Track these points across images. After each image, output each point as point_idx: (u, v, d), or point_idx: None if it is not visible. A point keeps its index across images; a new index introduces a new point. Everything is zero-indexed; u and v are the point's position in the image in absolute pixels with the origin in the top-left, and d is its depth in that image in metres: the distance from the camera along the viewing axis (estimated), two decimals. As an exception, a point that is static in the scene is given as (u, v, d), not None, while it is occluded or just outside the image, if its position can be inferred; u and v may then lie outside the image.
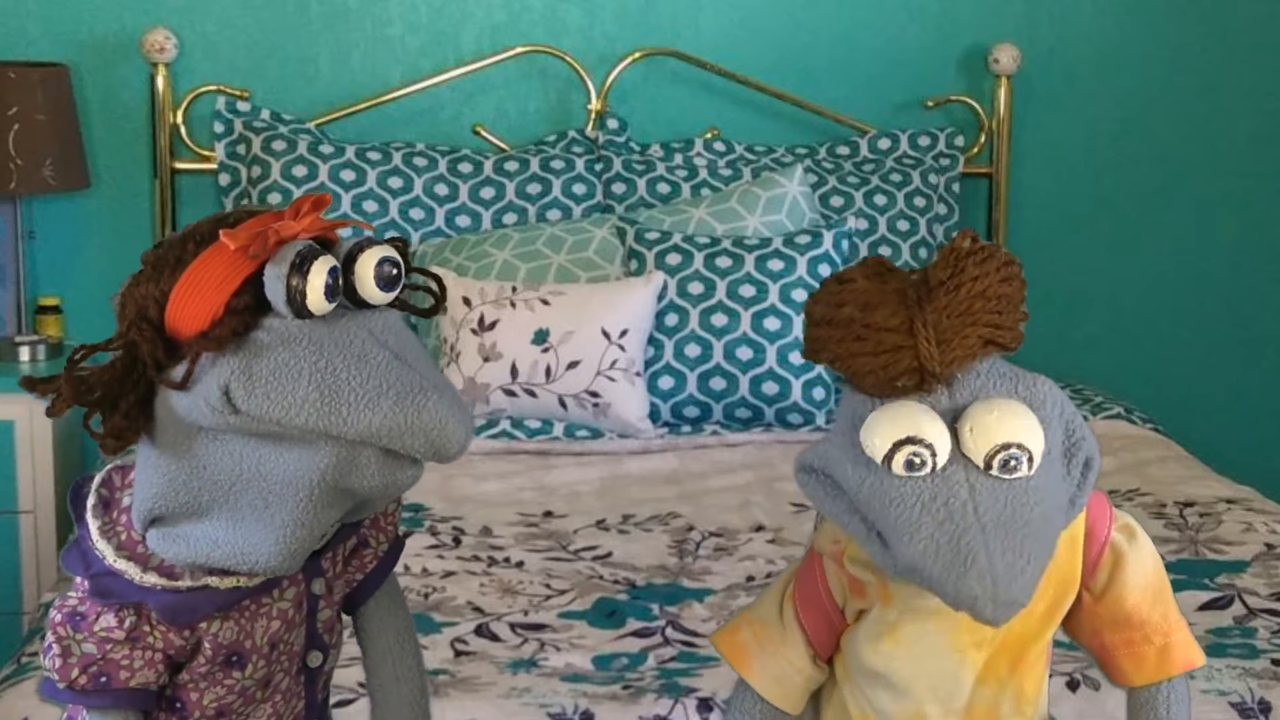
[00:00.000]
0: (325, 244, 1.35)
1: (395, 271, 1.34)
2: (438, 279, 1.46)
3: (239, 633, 1.44)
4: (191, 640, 1.42)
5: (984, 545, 1.31)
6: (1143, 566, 1.50)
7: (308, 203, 1.34)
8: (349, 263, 1.33)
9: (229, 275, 1.30)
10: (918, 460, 1.34)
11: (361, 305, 1.34)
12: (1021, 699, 1.48)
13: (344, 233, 1.39)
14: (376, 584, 1.56)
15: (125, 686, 1.41)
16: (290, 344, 1.29)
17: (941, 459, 1.34)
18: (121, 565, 1.40)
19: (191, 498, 1.35)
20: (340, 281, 1.32)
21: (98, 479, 1.45)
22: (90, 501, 1.43)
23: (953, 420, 1.36)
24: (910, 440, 1.34)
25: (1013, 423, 1.34)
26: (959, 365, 1.37)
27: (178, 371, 1.31)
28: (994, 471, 1.34)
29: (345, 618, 1.58)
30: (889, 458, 1.34)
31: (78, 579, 1.42)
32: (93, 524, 1.42)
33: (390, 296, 1.35)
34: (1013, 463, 1.33)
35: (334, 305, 1.31)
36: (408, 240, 1.45)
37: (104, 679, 1.40)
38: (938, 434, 1.34)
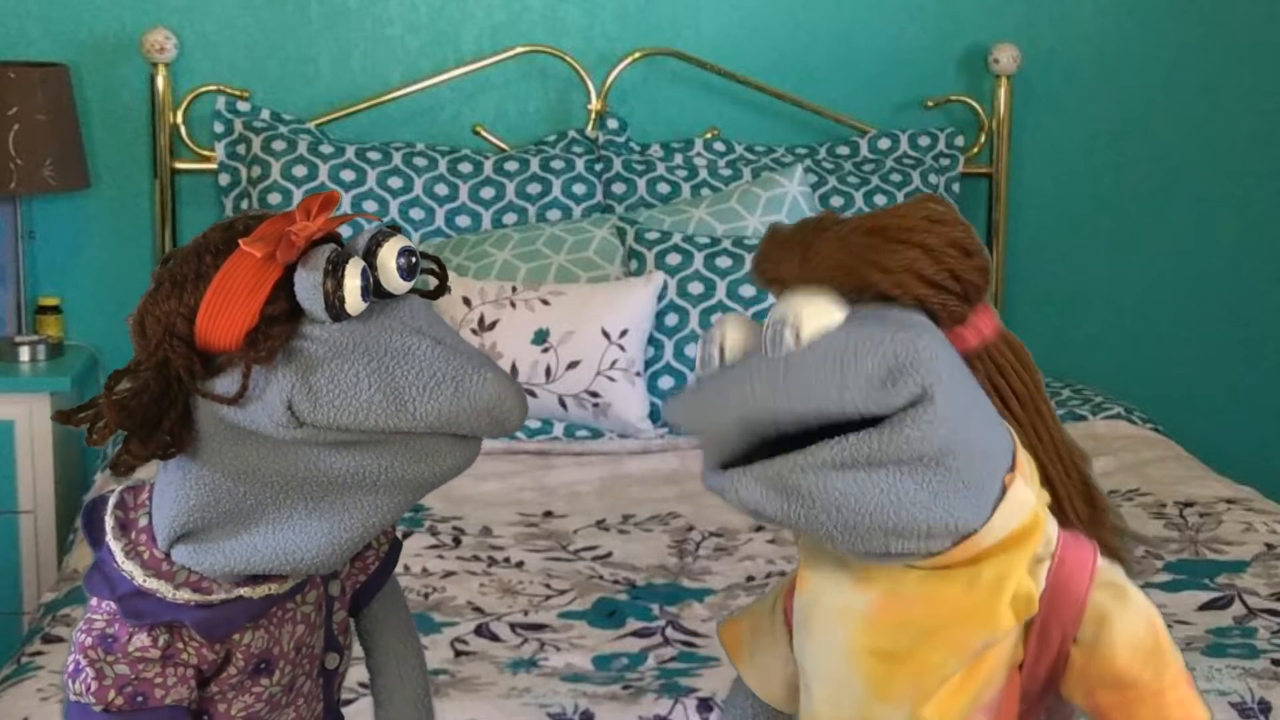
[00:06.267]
0: (332, 240, 1.36)
1: (414, 259, 1.36)
2: (438, 260, 1.47)
3: (269, 640, 1.44)
4: (222, 653, 1.43)
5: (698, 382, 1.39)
6: (1133, 627, 1.43)
7: (317, 202, 1.35)
8: (370, 257, 1.34)
9: (258, 283, 1.31)
10: (707, 357, 1.39)
11: (382, 295, 1.35)
12: None
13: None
14: (379, 585, 1.57)
15: (162, 705, 1.41)
16: (340, 352, 1.30)
17: (732, 355, 1.37)
18: (152, 585, 1.39)
19: (236, 504, 1.35)
20: (372, 280, 1.33)
21: (111, 502, 1.44)
22: (109, 524, 1.43)
23: None
24: (709, 341, 1.39)
25: (789, 302, 1.35)
26: (816, 277, 1.37)
27: (225, 384, 1.30)
28: (769, 353, 1.35)
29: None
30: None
31: (99, 602, 1.42)
32: (116, 546, 1.42)
33: (410, 285, 1.37)
34: (776, 337, 1.34)
35: (368, 304, 1.33)
36: (399, 226, 1.46)
37: (140, 698, 1.40)
38: (733, 332, 1.38)
